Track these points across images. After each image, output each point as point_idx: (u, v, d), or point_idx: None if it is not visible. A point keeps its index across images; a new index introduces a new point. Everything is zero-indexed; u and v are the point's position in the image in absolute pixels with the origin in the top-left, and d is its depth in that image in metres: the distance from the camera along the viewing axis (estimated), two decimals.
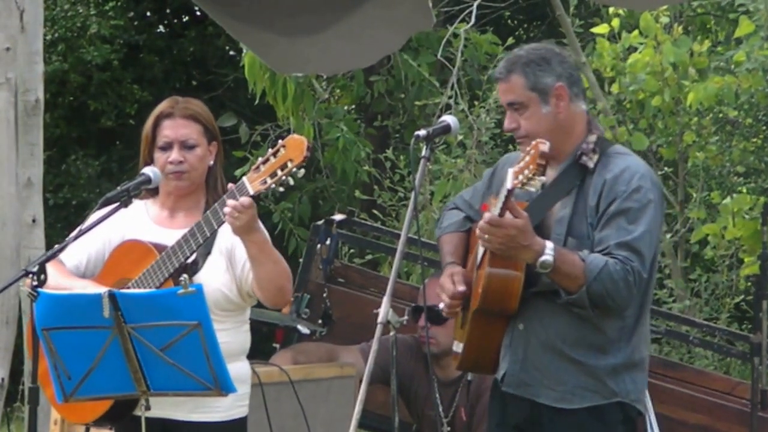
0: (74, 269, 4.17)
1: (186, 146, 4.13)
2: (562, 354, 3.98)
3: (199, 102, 4.26)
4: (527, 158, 3.73)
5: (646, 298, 4.04)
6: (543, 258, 3.81)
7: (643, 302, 4.03)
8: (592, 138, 4.04)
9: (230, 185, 3.93)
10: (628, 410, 4.04)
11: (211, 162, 4.19)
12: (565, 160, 4.03)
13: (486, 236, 3.80)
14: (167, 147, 4.13)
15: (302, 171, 3.83)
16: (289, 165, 3.80)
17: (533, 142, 3.73)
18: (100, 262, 4.18)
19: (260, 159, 3.87)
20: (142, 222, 4.19)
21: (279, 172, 3.82)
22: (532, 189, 3.76)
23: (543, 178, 3.73)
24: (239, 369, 4.11)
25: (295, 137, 3.85)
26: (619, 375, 3.99)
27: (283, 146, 3.83)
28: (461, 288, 4.05)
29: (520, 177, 3.72)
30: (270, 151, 3.85)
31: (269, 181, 3.83)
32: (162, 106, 4.19)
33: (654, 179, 4.02)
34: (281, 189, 3.87)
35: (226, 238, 4.03)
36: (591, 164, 3.99)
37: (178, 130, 4.13)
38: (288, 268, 4.05)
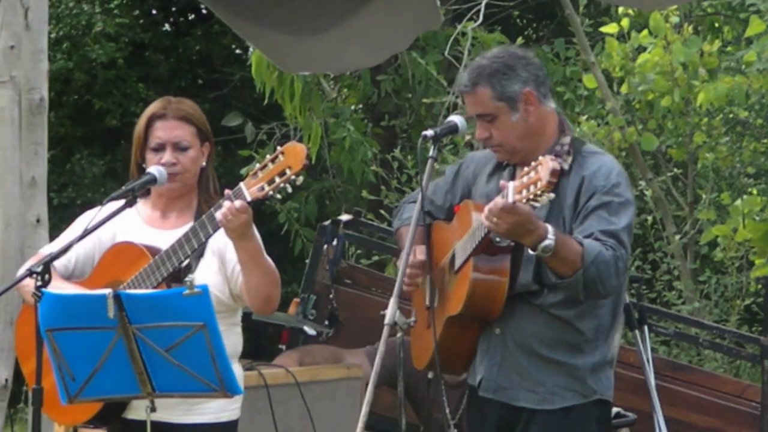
0: (62, 269, 4.14)
1: (179, 148, 4.09)
2: (540, 356, 4.02)
3: (192, 103, 4.22)
4: (532, 174, 3.70)
5: (619, 299, 4.08)
6: (545, 243, 3.80)
7: (617, 302, 4.08)
8: (566, 140, 4.07)
9: (227, 191, 3.90)
10: (606, 407, 4.09)
11: (204, 163, 4.16)
12: None
13: (494, 219, 3.78)
14: (160, 148, 4.10)
15: (300, 179, 3.79)
16: (288, 172, 3.77)
17: (540, 159, 3.70)
18: (89, 263, 4.16)
19: (258, 165, 3.85)
20: (134, 223, 4.16)
21: (277, 179, 3.79)
22: (537, 205, 3.74)
23: (552, 195, 3.72)
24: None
25: (295, 144, 3.82)
26: (596, 373, 4.04)
27: (282, 153, 3.80)
28: (421, 257, 4.08)
29: (524, 192, 3.70)
30: (268, 157, 3.83)
31: (267, 188, 3.80)
32: (154, 107, 4.16)
33: (628, 179, 4.08)
34: (278, 196, 3.84)
35: (218, 238, 3.99)
36: (566, 166, 4.02)
37: (170, 132, 4.10)
38: (278, 278, 4.02)
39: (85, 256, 4.16)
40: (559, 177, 3.94)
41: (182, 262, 3.95)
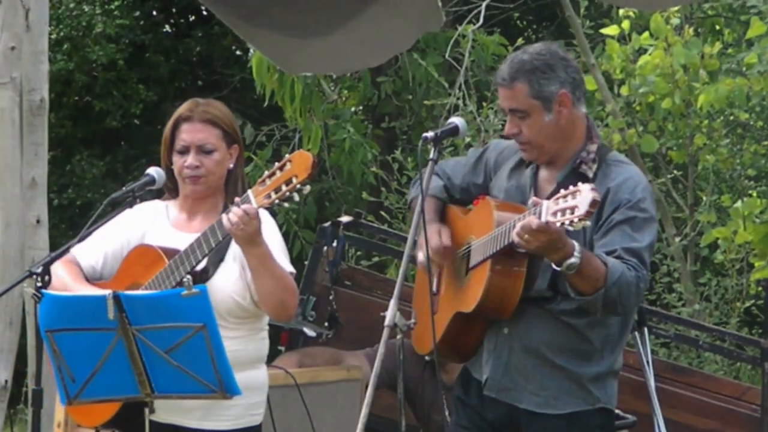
0: (90, 269, 4.14)
1: (203, 151, 4.09)
2: (545, 360, 4.01)
3: (221, 104, 4.22)
4: (569, 199, 3.67)
5: (630, 314, 4.07)
6: (571, 261, 3.77)
7: (628, 315, 4.06)
8: (593, 147, 4.04)
9: (236, 198, 3.91)
10: (610, 416, 4.08)
11: (231, 165, 4.15)
12: (563, 167, 4.03)
13: (526, 237, 3.76)
14: (184, 151, 4.10)
15: (308, 188, 3.78)
16: (294, 181, 3.77)
17: (579, 186, 3.67)
18: (118, 263, 4.15)
19: (266, 173, 3.85)
20: (162, 224, 4.17)
21: (284, 188, 3.79)
22: (571, 229, 3.72)
23: (588, 224, 3.70)
24: (254, 377, 4.07)
25: (302, 153, 3.82)
26: (600, 382, 4.03)
27: (289, 161, 3.80)
28: (448, 243, 4.09)
29: (559, 216, 3.68)
30: (276, 165, 3.83)
31: (273, 195, 3.80)
32: (182, 109, 4.17)
33: (652, 193, 4.04)
34: (286, 204, 3.84)
35: None
36: (590, 173, 4.00)
37: (195, 135, 4.10)
38: (293, 284, 4.01)
39: (114, 258, 4.15)
40: (583, 182, 3.91)
41: (194, 266, 3.94)
